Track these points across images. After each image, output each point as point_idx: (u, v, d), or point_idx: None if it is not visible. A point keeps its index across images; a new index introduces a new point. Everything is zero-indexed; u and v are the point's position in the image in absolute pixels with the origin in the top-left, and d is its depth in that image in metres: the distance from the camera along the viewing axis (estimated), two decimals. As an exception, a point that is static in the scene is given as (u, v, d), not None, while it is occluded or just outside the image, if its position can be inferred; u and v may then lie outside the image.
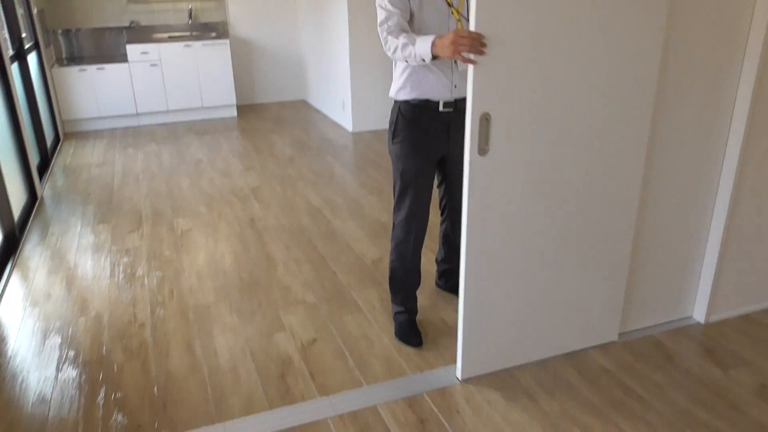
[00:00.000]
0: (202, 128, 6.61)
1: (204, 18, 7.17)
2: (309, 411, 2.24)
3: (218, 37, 6.82)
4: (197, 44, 6.65)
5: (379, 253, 3.52)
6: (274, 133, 6.29)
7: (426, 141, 2.38)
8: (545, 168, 2.10)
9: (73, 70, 6.28)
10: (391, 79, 2.50)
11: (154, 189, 4.71)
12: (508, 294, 2.27)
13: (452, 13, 2.22)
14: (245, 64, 7.45)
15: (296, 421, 2.18)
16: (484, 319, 2.27)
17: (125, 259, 3.52)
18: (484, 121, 1.87)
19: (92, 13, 6.72)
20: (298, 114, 7.14)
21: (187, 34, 6.94)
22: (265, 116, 7.06)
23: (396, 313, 2.73)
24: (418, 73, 2.29)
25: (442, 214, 2.78)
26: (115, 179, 4.97)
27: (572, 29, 1.93)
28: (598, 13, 1.94)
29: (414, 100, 2.33)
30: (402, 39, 2.15)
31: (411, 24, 2.23)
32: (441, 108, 2.33)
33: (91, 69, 6.34)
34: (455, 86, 2.31)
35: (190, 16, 7.06)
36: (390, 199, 4.38)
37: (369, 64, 5.97)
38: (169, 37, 6.71)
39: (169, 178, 4.97)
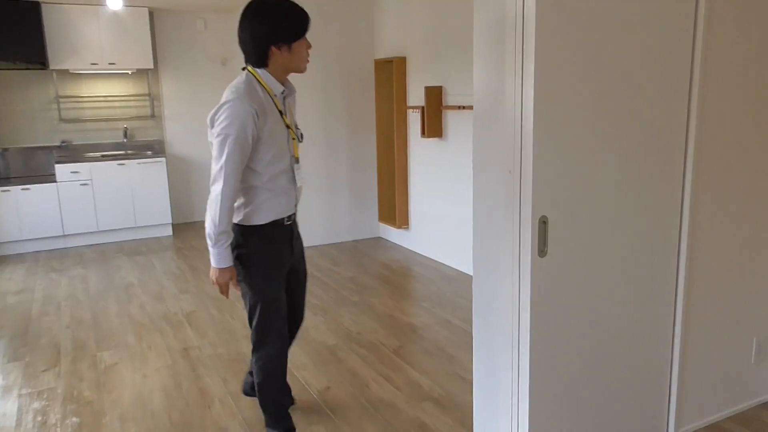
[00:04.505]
0: (135, 248, 6.28)
1: (140, 136, 7.05)
2: None
3: (155, 155, 6.69)
4: (132, 162, 6.48)
5: (326, 381, 3.24)
6: (212, 252, 6.02)
7: (281, 257, 2.51)
8: (599, 266, 2.17)
9: (-5, 191, 5.95)
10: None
11: (77, 318, 4.31)
12: (569, 390, 2.20)
13: (290, 135, 2.46)
14: (183, 181, 7.29)
15: None
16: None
17: (36, 404, 3.09)
18: (542, 224, 1.95)
19: (22, 133, 6.50)
20: (238, 230, 6.93)
21: (122, 153, 6.77)
22: (203, 234, 6.80)
23: None
24: (273, 197, 2.41)
25: None
26: (34, 308, 4.54)
27: (614, 145, 2.11)
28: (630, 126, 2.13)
29: (268, 222, 2.43)
30: (225, 214, 2.33)
31: (255, 151, 2.31)
32: (285, 222, 2.51)
33: (15, 189, 6.03)
34: (297, 202, 2.57)
35: (126, 135, 6.94)
36: (337, 319, 4.16)
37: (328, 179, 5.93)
38: (102, 156, 6.52)
39: (95, 304, 4.59)
